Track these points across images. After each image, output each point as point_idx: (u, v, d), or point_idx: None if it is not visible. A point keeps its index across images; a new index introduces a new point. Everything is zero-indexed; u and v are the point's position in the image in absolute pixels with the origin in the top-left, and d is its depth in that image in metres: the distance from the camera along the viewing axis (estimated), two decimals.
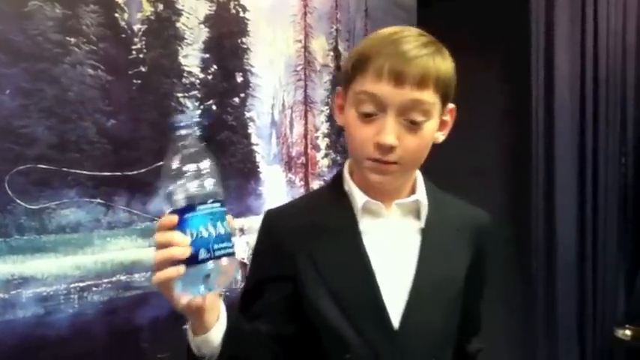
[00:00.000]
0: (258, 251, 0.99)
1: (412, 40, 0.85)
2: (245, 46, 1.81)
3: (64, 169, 1.31)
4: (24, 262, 1.24)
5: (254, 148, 1.85)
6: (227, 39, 1.75)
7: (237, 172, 1.79)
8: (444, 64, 0.87)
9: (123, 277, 1.43)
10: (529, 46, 2.14)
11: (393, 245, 0.92)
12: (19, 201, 1.23)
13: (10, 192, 1.22)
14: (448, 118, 0.91)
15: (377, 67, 0.83)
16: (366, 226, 0.92)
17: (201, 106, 1.65)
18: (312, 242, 0.91)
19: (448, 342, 0.96)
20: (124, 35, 1.45)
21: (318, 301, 0.89)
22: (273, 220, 0.97)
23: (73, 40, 1.33)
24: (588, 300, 1.97)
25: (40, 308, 1.27)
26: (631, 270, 1.96)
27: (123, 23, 1.45)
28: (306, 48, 2.08)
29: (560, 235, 2.01)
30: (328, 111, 2.19)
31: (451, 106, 0.91)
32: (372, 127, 0.85)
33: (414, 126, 0.85)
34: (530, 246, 2.12)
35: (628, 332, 1.73)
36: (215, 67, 1.71)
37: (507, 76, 2.36)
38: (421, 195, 0.94)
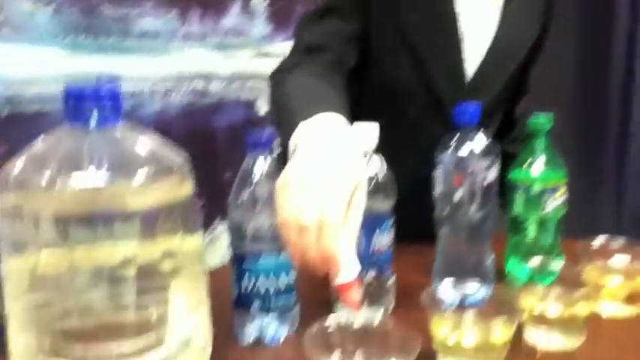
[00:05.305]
0: None
1: None
2: None
3: None
4: (111, 61, 1.35)
5: None
6: None
7: None
8: None
9: (200, 85, 1.57)
10: None
11: (478, 8, 0.95)
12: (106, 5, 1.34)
13: None
14: None
15: None
16: None
17: None
18: None
19: (504, 102, 1.04)
20: None
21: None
22: None
23: None
24: None
25: (129, 102, 1.41)
26: None
27: None
28: None
29: None
30: None
31: None
32: None
33: None
34: None
35: None
36: None
37: None
38: None
